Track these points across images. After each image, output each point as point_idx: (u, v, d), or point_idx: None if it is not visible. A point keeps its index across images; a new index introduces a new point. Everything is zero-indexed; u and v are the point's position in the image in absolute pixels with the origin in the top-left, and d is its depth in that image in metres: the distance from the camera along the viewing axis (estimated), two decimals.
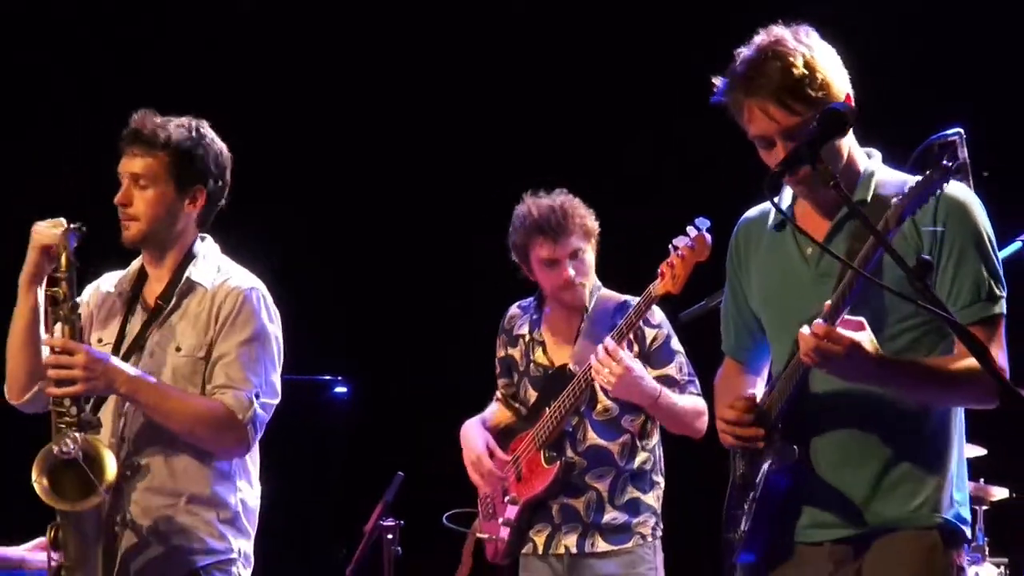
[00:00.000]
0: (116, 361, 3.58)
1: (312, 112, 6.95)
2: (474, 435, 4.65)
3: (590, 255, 4.51)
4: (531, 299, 4.71)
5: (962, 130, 3.25)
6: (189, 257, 3.81)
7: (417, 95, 7.02)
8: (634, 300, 4.39)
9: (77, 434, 3.52)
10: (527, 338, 4.66)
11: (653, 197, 4.62)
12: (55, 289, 3.59)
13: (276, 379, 3.80)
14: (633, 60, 6.70)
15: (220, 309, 3.72)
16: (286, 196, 6.38)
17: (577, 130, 6.67)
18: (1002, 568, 4.94)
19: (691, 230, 4.20)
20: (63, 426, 3.53)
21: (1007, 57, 6.01)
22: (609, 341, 4.28)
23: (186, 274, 3.77)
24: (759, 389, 3.31)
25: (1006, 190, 3.65)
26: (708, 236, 4.18)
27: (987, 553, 4.96)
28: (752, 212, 3.29)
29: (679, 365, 4.43)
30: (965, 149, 3.27)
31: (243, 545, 3.75)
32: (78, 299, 3.73)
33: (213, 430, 3.69)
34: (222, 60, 6.96)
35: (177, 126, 3.75)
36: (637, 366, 4.27)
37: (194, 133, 3.78)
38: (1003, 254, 3.31)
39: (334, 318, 3.92)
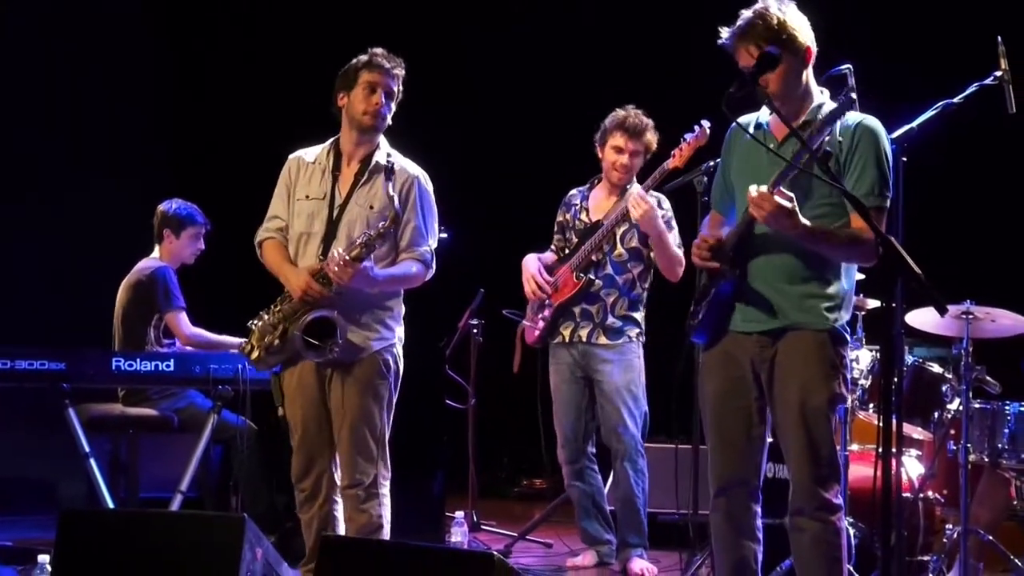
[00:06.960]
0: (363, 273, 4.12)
1: None
2: (531, 262, 5.50)
3: (640, 160, 5.33)
4: (584, 187, 5.49)
5: (851, 65, 3.60)
6: (375, 147, 4.39)
7: None
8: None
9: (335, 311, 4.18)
10: (578, 205, 5.48)
11: (675, 115, 5.24)
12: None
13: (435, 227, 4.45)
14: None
15: (400, 186, 4.26)
16: None
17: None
18: (874, 352, 5.33)
19: (696, 127, 4.99)
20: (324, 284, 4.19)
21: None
22: (641, 190, 5.06)
23: (375, 158, 4.34)
24: (726, 231, 3.79)
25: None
26: (707, 132, 4.91)
27: (864, 342, 5.44)
28: (741, 119, 3.69)
29: (674, 235, 5.28)
30: (853, 79, 3.57)
31: (400, 333, 4.42)
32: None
33: (422, 279, 4.36)
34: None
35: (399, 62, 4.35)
36: (656, 209, 5.08)
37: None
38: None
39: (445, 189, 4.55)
